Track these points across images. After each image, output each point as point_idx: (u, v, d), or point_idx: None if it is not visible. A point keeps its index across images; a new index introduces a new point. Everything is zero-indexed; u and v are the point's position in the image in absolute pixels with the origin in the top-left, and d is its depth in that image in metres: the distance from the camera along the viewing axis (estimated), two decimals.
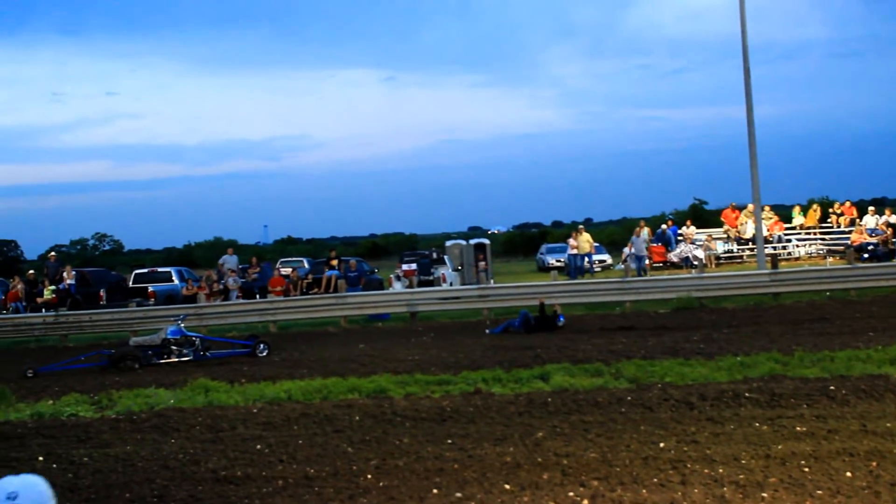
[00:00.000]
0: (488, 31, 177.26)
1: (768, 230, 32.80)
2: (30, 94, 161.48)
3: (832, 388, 10.11)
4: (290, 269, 29.88)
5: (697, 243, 32.99)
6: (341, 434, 9.36)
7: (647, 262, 30.43)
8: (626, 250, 33.13)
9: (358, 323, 23.00)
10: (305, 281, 28.06)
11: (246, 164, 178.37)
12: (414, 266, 30.32)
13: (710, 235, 34.33)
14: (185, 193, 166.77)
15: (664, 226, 34.82)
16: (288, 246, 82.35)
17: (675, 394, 10.27)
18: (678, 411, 9.53)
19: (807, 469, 7.07)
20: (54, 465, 8.75)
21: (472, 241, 35.61)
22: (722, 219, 36.05)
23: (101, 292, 28.99)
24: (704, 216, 49.25)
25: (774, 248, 32.38)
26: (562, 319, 19.15)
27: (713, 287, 22.65)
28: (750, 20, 25.93)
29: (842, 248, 30.49)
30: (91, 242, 79.99)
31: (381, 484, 7.42)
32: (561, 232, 61.90)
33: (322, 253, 39.77)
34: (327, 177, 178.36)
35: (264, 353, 17.14)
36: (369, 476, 7.64)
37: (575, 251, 31.78)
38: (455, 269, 32.42)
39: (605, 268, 36.84)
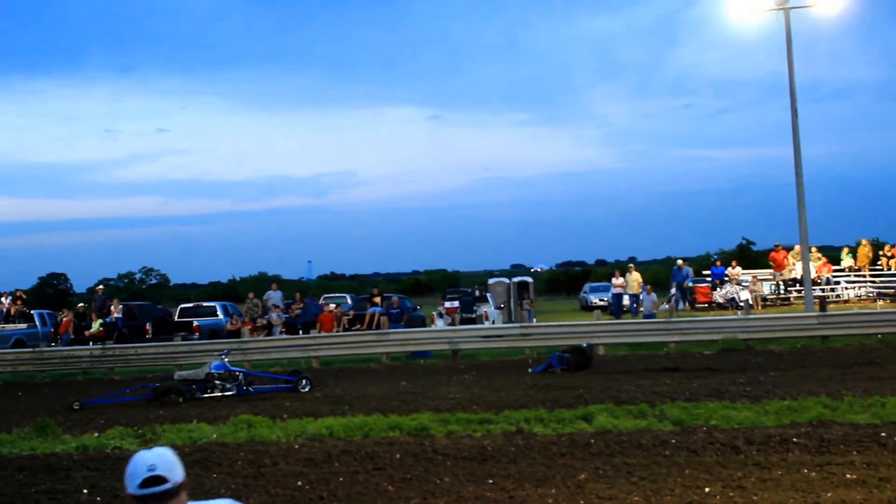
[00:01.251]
0: (533, 70, 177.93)
1: (816, 272, 32.30)
2: (84, 130, 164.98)
3: (883, 434, 9.86)
4: (334, 305, 30.02)
5: (743, 284, 32.58)
6: (382, 472, 9.33)
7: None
8: (672, 291, 32.88)
9: (400, 360, 23.00)
10: (348, 317, 28.17)
11: (291, 200, 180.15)
12: (456, 303, 30.28)
13: (755, 276, 33.89)
14: (231, 229, 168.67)
15: (680, 261, 34.33)
16: (331, 282, 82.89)
17: (721, 437, 10.09)
18: (724, 455, 9.37)
19: None
20: (98, 499, 8.83)
21: (515, 279, 35.53)
22: (770, 261, 35.40)
23: (147, 326, 29.31)
24: (751, 257, 48.66)
25: (823, 290, 31.86)
26: (584, 345, 19.41)
27: (760, 329, 22.32)
28: (797, 60, 25.83)
29: (892, 290, 29.93)
30: (138, 276, 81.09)
31: None
32: (604, 270, 61.54)
33: (365, 289, 39.91)
34: (371, 213, 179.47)
35: (307, 389, 17.19)
36: None
37: (619, 290, 31.54)
38: (497, 307, 32.32)
39: None
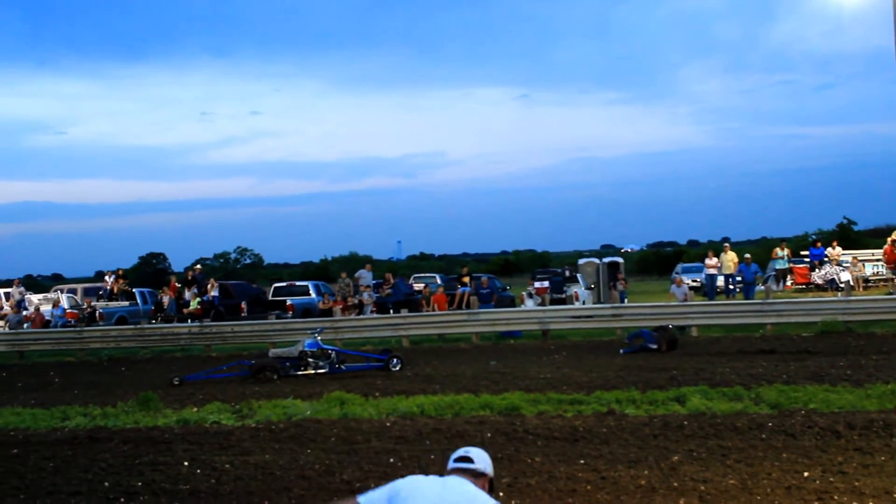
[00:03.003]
0: (625, 48, 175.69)
1: None
2: (181, 114, 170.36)
3: None
4: (423, 285, 30.24)
5: (844, 265, 31.53)
6: None
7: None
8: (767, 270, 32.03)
9: (489, 340, 23.02)
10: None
11: (382, 180, 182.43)
12: (546, 284, 30.12)
13: (855, 257, 32.74)
14: (323, 209, 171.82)
15: (748, 256, 32.21)
16: (421, 262, 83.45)
17: (820, 421, 9.83)
18: (823, 440, 9.12)
19: None
20: (198, 471, 9.10)
21: (606, 260, 35.15)
22: (883, 255, 32.53)
23: (243, 304, 30.04)
24: (852, 237, 47.06)
25: None
26: (669, 325, 19.44)
27: (861, 311, 21.57)
28: None
29: None
30: (233, 256, 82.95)
31: (512, 503, 7.39)
32: (697, 251, 60.41)
33: (454, 269, 40.10)
34: (461, 194, 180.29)
35: (397, 368, 17.35)
36: (501, 494, 7.61)
37: (712, 271, 30.86)
38: (588, 288, 32.06)
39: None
